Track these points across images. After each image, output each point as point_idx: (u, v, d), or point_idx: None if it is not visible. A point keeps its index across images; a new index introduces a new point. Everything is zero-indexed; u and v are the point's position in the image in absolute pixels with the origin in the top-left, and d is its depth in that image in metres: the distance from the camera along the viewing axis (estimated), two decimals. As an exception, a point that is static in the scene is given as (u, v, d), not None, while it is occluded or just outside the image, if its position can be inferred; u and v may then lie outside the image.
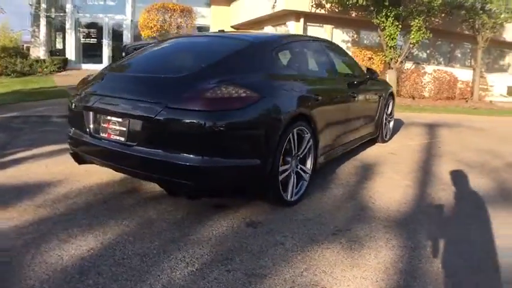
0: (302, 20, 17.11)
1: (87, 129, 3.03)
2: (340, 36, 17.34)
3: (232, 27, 22.61)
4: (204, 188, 2.72)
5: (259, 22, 20.07)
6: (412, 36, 13.66)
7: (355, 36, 17.73)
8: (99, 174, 3.70)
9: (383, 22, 13.57)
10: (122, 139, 2.79)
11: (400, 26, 13.59)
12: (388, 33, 13.63)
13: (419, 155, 5.46)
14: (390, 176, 4.28)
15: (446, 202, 3.60)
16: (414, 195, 3.73)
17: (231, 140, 2.62)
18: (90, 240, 2.50)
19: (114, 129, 2.85)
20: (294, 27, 17.23)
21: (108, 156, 2.94)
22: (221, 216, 2.95)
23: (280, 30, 19.12)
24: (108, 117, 2.89)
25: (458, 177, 4.42)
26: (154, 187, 3.37)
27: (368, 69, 4.93)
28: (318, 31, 17.38)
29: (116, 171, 3.15)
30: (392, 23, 13.41)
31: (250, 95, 2.69)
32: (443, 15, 14.66)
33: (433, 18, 14.30)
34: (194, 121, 2.50)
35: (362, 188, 3.84)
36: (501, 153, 5.96)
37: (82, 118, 3.06)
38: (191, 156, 2.54)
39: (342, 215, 3.14)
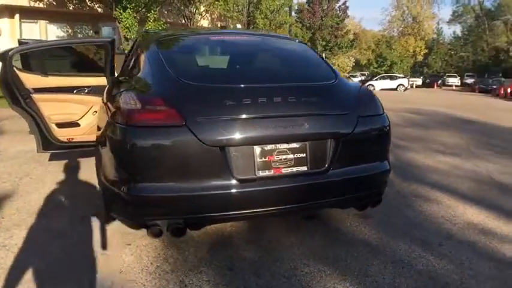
0: (17, 16, 14.49)
1: (229, 173, 2.08)
2: (54, 32, 15.69)
3: None
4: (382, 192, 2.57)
5: None
6: (149, 27, 14.10)
7: (70, 31, 16.49)
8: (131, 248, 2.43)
9: (120, 14, 13.33)
10: (304, 169, 2.20)
11: (138, 18, 13.76)
12: (126, 25, 13.51)
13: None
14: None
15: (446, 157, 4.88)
16: (412, 154, 4.67)
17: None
18: None
19: (284, 159, 2.18)
20: (8, 26, 14.38)
21: (282, 198, 2.21)
22: (345, 224, 2.88)
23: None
24: (272, 147, 2.16)
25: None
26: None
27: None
28: (32, 28, 15.14)
29: (285, 214, 2.63)
30: (130, 15, 13.37)
31: None
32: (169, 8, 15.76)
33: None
34: (381, 126, 2.45)
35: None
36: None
37: (208, 161, 2.07)
38: (382, 162, 2.46)
39: (411, 183, 3.73)
